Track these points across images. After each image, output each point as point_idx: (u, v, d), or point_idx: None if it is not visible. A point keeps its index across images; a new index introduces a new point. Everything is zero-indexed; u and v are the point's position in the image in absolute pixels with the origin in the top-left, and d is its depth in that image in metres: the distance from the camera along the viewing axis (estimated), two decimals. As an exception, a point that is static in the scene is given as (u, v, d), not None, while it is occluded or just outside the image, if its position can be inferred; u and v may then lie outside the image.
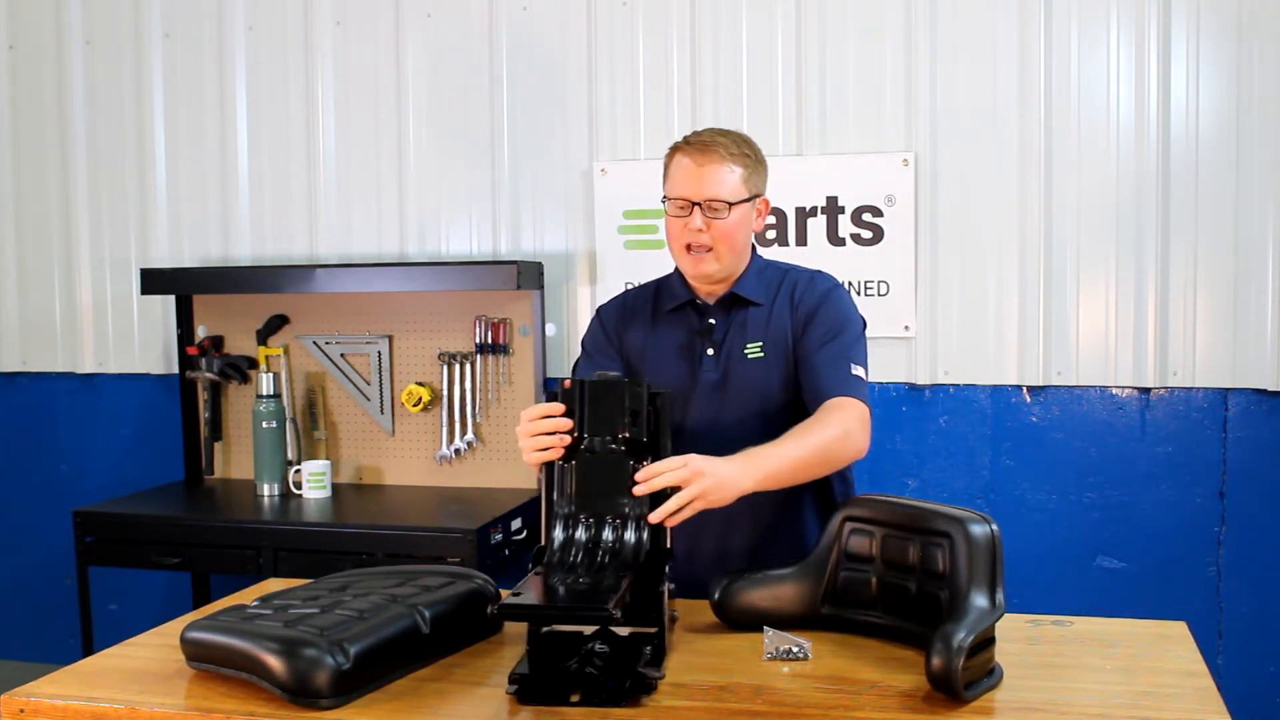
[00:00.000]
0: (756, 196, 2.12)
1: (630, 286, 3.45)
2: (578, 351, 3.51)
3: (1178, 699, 1.54)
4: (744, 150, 2.09)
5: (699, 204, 2.04)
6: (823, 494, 2.14)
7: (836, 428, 1.95)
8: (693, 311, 2.17)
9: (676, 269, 2.22)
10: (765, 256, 2.21)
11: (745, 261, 2.16)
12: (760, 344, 2.11)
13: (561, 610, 1.61)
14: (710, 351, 2.13)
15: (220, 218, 3.81)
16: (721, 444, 2.02)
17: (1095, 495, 3.26)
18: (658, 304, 2.21)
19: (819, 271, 2.21)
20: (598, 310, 2.30)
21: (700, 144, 2.07)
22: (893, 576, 1.76)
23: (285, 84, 3.73)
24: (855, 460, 2.02)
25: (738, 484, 1.78)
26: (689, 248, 2.07)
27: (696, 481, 1.71)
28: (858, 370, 2.06)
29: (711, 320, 2.14)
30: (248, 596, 1.97)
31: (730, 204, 2.05)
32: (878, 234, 3.32)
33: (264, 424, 3.48)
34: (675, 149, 2.12)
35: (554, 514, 1.75)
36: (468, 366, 3.57)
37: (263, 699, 1.57)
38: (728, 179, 2.05)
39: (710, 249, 2.06)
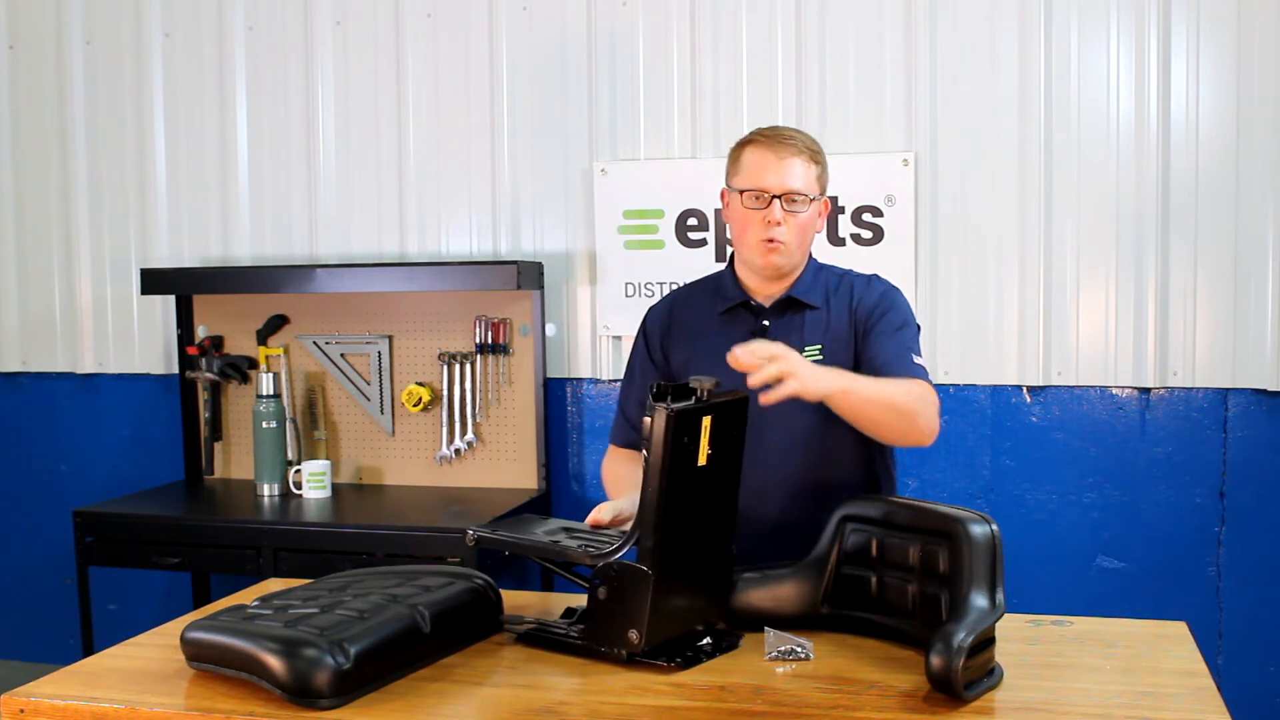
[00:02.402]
0: (823, 194, 2.13)
1: (634, 286, 3.47)
2: (578, 351, 3.56)
3: (1178, 699, 1.54)
4: (816, 147, 2.11)
5: (778, 197, 2.05)
6: (871, 485, 2.16)
7: (915, 392, 1.98)
8: (747, 313, 2.16)
9: (729, 267, 2.21)
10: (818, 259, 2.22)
11: (806, 260, 2.16)
12: (819, 346, 2.10)
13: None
14: (760, 342, 2.12)
15: (220, 218, 3.81)
16: (776, 447, 2.03)
17: (1095, 495, 3.26)
18: (711, 304, 2.20)
19: (875, 275, 2.22)
20: (645, 316, 2.30)
21: (779, 138, 2.08)
22: (893, 576, 1.76)
23: (285, 84, 3.73)
24: (922, 438, 2.00)
25: (822, 378, 1.81)
26: (763, 240, 2.07)
27: (778, 348, 1.76)
28: (920, 361, 2.08)
29: (766, 322, 2.13)
30: (248, 596, 1.97)
31: (810, 199, 2.07)
32: (878, 234, 3.32)
33: (264, 424, 3.48)
34: (748, 142, 2.12)
35: None
36: (468, 366, 3.57)
37: (263, 699, 1.57)
38: (805, 174, 2.07)
39: (784, 242, 2.07)
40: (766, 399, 1.74)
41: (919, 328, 2.17)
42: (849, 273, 2.21)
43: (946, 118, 3.27)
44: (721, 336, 2.15)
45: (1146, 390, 3.21)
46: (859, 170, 3.31)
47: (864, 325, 2.11)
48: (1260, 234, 3.10)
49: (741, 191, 2.08)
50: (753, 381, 1.72)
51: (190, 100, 3.81)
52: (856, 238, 3.33)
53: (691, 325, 2.20)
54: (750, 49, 3.39)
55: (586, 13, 3.49)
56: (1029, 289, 3.24)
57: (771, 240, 2.06)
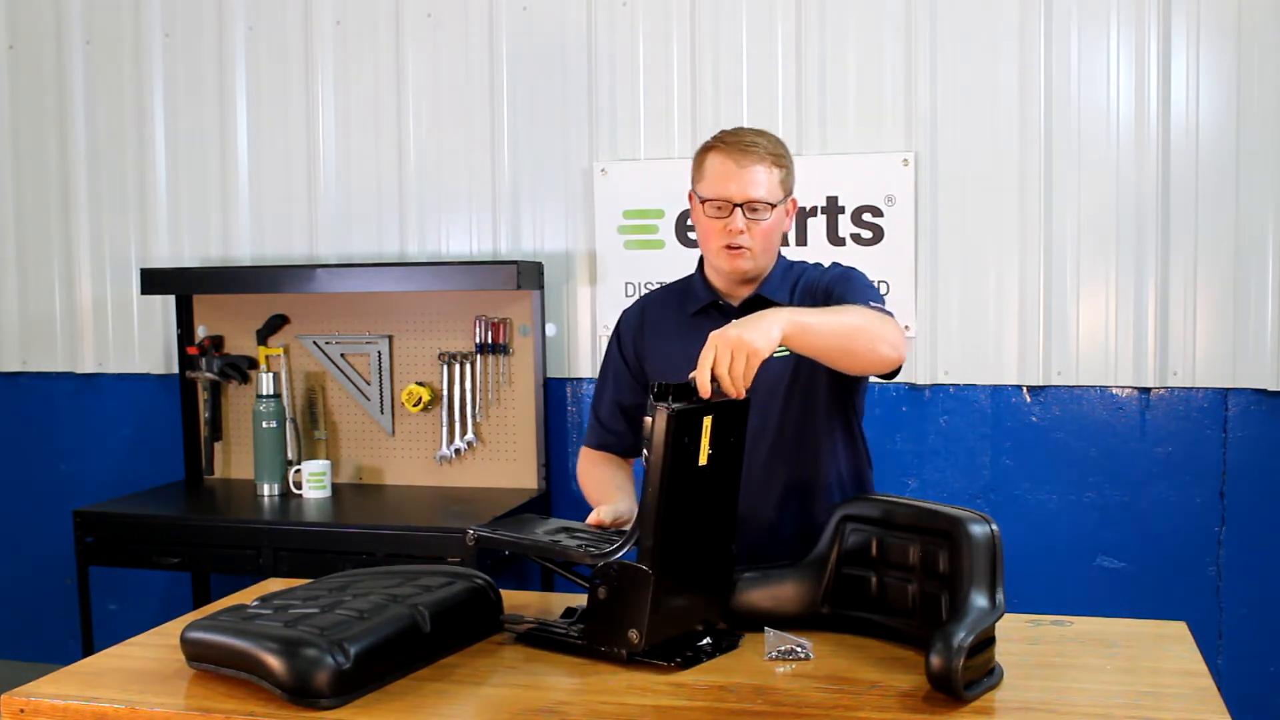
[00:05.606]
0: (788, 196, 2.12)
1: (634, 286, 3.47)
2: (578, 351, 3.56)
3: (1178, 699, 1.54)
4: (779, 150, 2.10)
5: (740, 205, 2.04)
6: (843, 485, 2.16)
7: (869, 313, 1.93)
8: (716, 313, 2.16)
9: (699, 270, 2.22)
10: (788, 257, 2.22)
11: (774, 261, 2.16)
12: None
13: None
14: (701, 353, 2.12)
15: (220, 218, 3.81)
16: (750, 444, 2.03)
17: (1095, 495, 3.26)
18: (681, 307, 2.20)
19: (834, 262, 2.22)
20: (618, 320, 2.30)
21: (740, 144, 2.06)
22: (893, 576, 1.76)
23: (285, 84, 3.73)
24: (890, 364, 1.94)
25: (770, 328, 1.74)
26: (727, 246, 2.07)
27: (716, 342, 1.70)
28: (878, 306, 2.03)
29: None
30: (248, 596, 1.97)
31: (772, 205, 2.06)
32: (878, 234, 3.32)
33: (264, 424, 3.48)
34: (710, 148, 2.10)
35: None
36: (468, 366, 3.57)
37: (263, 699, 1.57)
38: (767, 180, 2.05)
39: (748, 248, 2.06)
40: (740, 391, 1.70)
41: (883, 298, 2.15)
42: (811, 266, 2.21)
43: (946, 118, 3.27)
44: (693, 338, 2.15)
45: (1146, 390, 3.21)
46: (859, 170, 3.31)
47: (824, 300, 2.08)
48: (1260, 234, 3.10)
49: (705, 200, 2.08)
50: (733, 392, 1.69)
51: (190, 100, 3.81)
52: (856, 238, 3.33)
53: (663, 328, 2.21)
54: (750, 49, 3.39)
55: (586, 13, 3.49)
56: (1029, 289, 3.24)
57: (735, 247, 2.06)
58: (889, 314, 1.99)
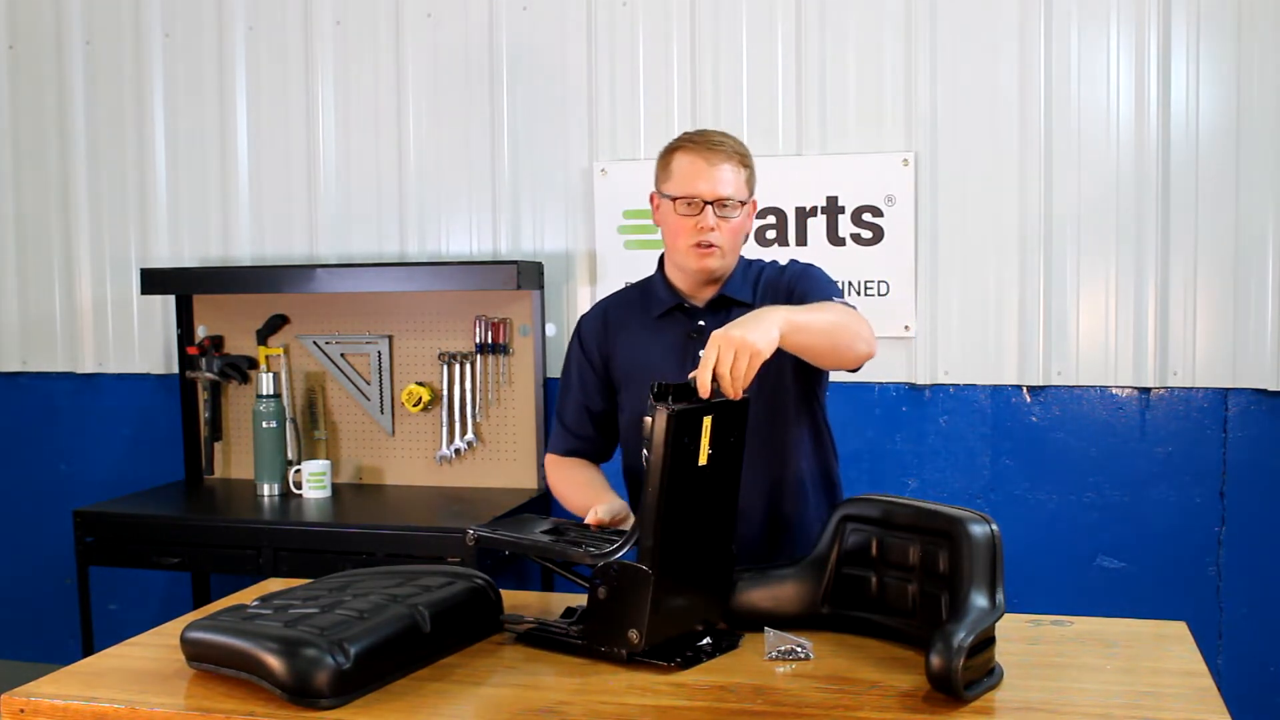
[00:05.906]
0: (752, 197, 2.15)
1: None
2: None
3: (1178, 699, 1.54)
4: (744, 150, 2.13)
5: (710, 203, 2.05)
6: (813, 483, 2.17)
7: (844, 311, 1.96)
8: (682, 315, 2.17)
9: (659, 271, 2.22)
10: (746, 256, 2.23)
11: (736, 261, 2.17)
12: None
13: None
14: (703, 353, 2.13)
15: (220, 218, 3.81)
16: None
17: (1095, 495, 3.26)
18: (644, 309, 2.21)
19: (792, 259, 2.24)
20: (578, 325, 2.30)
21: (709, 143, 2.08)
22: (893, 576, 1.76)
23: (285, 84, 3.73)
24: (864, 359, 1.98)
25: (769, 329, 1.75)
26: (697, 245, 2.07)
27: (719, 342, 1.70)
28: (841, 300, 2.07)
29: (702, 322, 2.14)
30: (248, 596, 1.97)
31: (741, 203, 2.08)
32: (878, 234, 3.32)
33: (264, 424, 3.48)
34: (677, 148, 2.12)
35: None
36: (468, 366, 3.57)
37: (263, 699, 1.57)
38: (735, 179, 2.08)
39: (718, 246, 2.07)
40: (738, 392, 1.71)
41: (843, 293, 2.16)
42: (768, 264, 2.22)
43: (946, 118, 3.27)
44: (659, 340, 2.17)
45: (1146, 390, 3.21)
46: (859, 170, 3.31)
47: (786, 298, 2.10)
48: (1260, 234, 3.10)
49: (674, 198, 2.09)
50: (733, 392, 1.70)
51: (190, 100, 3.81)
52: (856, 238, 3.33)
53: (628, 331, 2.21)
54: (750, 49, 3.39)
55: (586, 13, 3.49)
56: (1029, 289, 3.24)
57: (705, 245, 2.07)
58: (853, 308, 2.03)
